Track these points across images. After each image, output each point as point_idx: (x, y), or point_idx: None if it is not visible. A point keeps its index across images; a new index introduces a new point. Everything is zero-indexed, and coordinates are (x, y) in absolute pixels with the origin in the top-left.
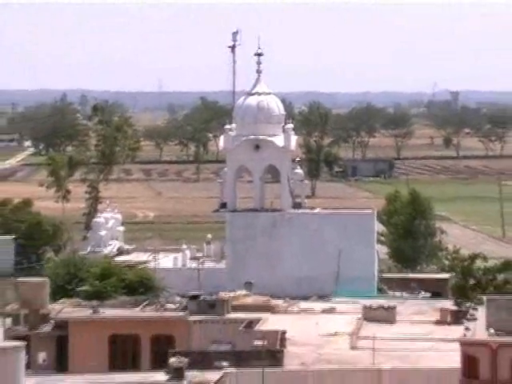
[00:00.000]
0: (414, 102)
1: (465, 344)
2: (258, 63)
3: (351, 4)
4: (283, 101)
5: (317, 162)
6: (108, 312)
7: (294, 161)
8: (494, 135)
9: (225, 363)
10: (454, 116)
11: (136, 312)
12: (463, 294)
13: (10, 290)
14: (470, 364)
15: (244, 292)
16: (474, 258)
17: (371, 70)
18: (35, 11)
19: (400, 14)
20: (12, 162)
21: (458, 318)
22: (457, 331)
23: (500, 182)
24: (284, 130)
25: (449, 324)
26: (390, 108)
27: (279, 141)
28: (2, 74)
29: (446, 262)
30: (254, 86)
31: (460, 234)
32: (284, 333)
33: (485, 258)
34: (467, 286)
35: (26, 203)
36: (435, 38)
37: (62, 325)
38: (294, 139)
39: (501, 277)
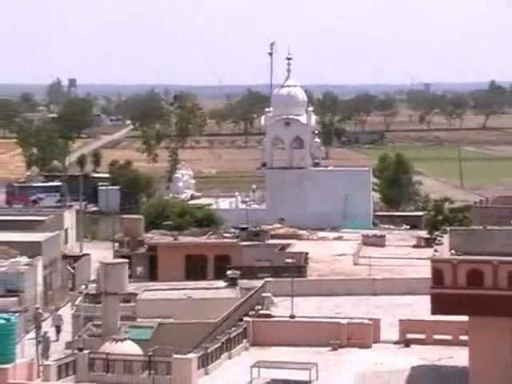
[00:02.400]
0: (398, 91)
1: (434, 261)
2: (288, 64)
3: (350, 22)
4: (306, 91)
5: (329, 134)
6: (184, 239)
7: (313, 133)
8: (455, 114)
9: (265, 275)
10: (426, 100)
11: (204, 239)
12: (434, 226)
13: (117, 223)
14: (437, 275)
15: (279, 225)
16: (445, 200)
17: (368, 68)
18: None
19: (388, 26)
20: (118, 134)
21: (429, 243)
22: (428, 252)
23: (459, 148)
24: (306, 112)
25: (422, 247)
26: (381, 95)
27: (303, 119)
28: (112, 72)
29: (421, 204)
30: (285, 80)
31: (430, 185)
32: (307, 253)
33: (452, 201)
34: (438, 220)
35: (128, 163)
36: (414, 44)
37: (152, 248)
38: (313, 118)
39: (462, 215)
